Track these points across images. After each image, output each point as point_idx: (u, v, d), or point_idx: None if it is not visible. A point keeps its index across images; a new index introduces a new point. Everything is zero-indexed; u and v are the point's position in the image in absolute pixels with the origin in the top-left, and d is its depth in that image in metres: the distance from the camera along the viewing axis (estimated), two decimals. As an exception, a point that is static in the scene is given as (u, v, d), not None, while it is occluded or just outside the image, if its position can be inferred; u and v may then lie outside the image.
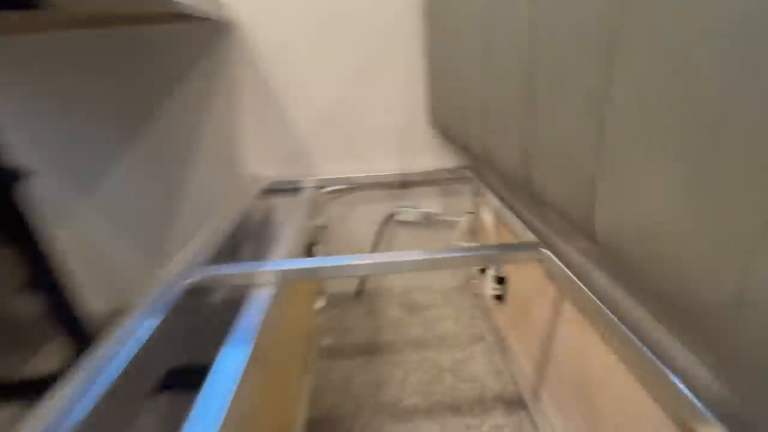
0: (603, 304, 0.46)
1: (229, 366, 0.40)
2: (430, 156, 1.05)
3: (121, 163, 0.96)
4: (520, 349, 0.85)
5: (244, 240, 0.81)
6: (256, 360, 0.42)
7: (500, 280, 0.93)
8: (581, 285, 0.50)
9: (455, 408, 0.79)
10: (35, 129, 0.93)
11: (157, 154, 0.95)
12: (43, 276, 0.72)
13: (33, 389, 0.69)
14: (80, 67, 0.90)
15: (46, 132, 0.93)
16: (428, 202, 1.10)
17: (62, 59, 0.89)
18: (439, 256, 0.59)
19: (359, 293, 1.18)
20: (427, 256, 0.59)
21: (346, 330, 1.03)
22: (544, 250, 0.59)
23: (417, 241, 1.14)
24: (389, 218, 1.10)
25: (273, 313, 0.52)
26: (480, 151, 0.57)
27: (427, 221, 1.11)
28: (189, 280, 0.55)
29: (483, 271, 1.07)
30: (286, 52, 0.93)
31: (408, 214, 1.10)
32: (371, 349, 0.96)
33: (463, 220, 1.08)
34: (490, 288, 0.95)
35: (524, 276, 0.82)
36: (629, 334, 0.42)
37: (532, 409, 0.76)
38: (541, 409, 0.75)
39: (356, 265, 0.59)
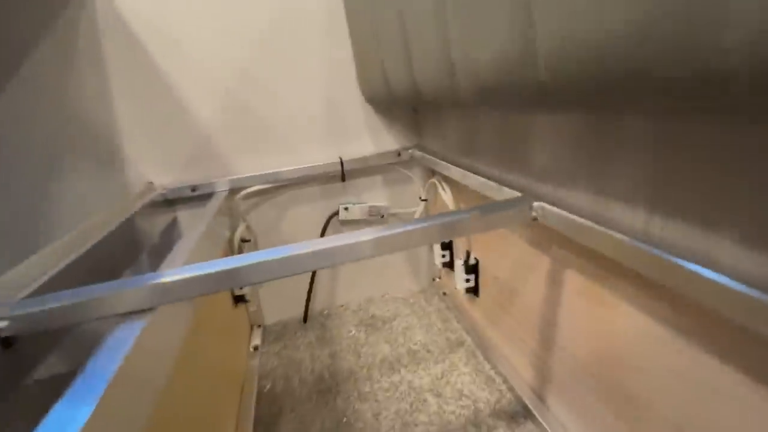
0: (650, 246, 0.32)
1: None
2: (369, 139, 0.89)
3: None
4: (510, 346, 0.70)
5: (120, 265, 0.57)
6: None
7: (471, 269, 0.79)
8: (607, 231, 0.36)
9: (447, 438, 0.61)
10: None
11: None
12: None
13: None
14: None
15: None
16: (374, 195, 0.94)
17: None
18: (405, 229, 0.42)
19: (305, 318, 0.96)
20: (390, 232, 0.41)
21: (294, 365, 0.81)
22: (537, 202, 0.45)
23: (367, 243, 0.97)
24: (331, 218, 0.92)
25: (140, 354, 0.30)
26: (442, 77, 0.41)
27: (377, 217, 0.94)
28: (-11, 324, 0.31)
29: (447, 265, 0.92)
30: (167, 18, 0.72)
31: (353, 212, 0.92)
32: (329, 384, 0.75)
33: (419, 210, 0.93)
34: (461, 280, 0.80)
35: (501, 256, 0.67)
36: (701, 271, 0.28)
37: (540, 417, 0.60)
38: (552, 413, 0.59)
39: (292, 258, 0.40)
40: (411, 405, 0.68)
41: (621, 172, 0.36)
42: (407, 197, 0.95)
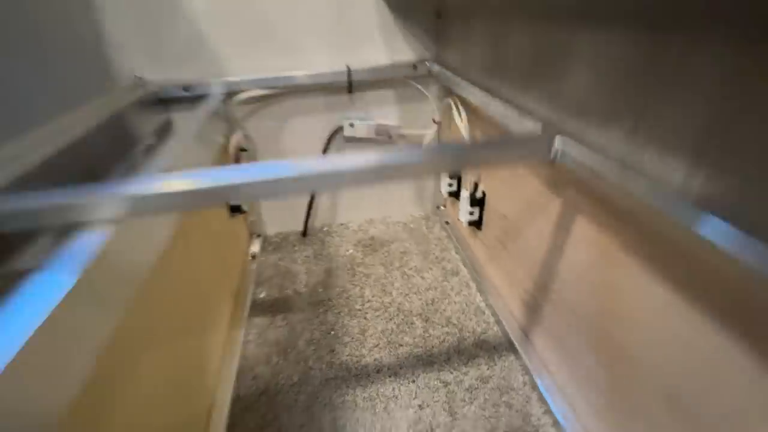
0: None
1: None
2: (382, 46, 0.79)
3: None
4: (504, 282, 0.70)
5: (103, 164, 0.54)
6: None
7: (477, 202, 0.75)
8: (635, 179, 0.31)
9: (428, 361, 0.63)
10: None
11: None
12: None
13: None
14: None
15: None
16: (383, 112, 0.86)
17: None
18: (412, 158, 0.37)
19: (305, 232, 0.96)
20: (397, 159, 0.37)
21: (290, 276, 0.83)
22: (559, 138, 0.39)
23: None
24: (335, 134, 0.86)
25: (101, 267, 0.29)
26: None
27: (385, 137, 0.88)
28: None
29: (454, 195, 0.88)
30: None
31: (359, 129, 0.86)
32: (321, 298, 0.77)
33: (430, 134, 0.86)
34: (465, 212, 0.77)
35: (511, 193, 0.63)
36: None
37: (522, 351, 0.61)
38: (535, 349, 0.61)
39: (285, 180, 0.36)
40: (398, 326, 0.70)
41: (671, 112, 0.29)
42: (419, 117, 0.87)
